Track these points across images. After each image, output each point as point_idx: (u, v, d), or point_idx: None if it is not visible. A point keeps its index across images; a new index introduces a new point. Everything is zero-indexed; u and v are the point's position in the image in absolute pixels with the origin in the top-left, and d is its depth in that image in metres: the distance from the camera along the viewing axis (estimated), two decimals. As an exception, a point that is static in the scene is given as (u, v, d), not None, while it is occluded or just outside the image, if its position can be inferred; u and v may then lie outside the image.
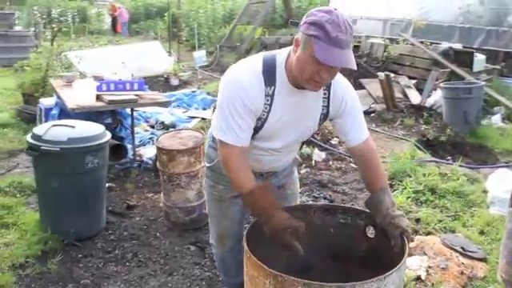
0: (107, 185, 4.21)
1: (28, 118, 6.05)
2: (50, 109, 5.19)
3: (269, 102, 1.81)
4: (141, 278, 2.94)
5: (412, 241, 1.93)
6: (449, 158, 5.34)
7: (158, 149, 3.51)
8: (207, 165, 2.21)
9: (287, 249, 1.77)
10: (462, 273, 2.95)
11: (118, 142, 4.79)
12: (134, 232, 3.54)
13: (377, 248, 2.00)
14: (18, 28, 15.05)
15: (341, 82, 1.92)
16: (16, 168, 4.75)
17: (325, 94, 1.89)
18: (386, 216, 1.86)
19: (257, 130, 1.87)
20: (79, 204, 3.31)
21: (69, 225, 3.29)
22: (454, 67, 7.24)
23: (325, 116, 1.95)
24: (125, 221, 3.73)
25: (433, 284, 2.85)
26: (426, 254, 3.12)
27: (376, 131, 6.30)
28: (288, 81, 1.80)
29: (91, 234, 3.43)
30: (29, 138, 3.25)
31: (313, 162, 4.87)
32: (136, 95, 4.55)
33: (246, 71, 1.82)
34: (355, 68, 1.67)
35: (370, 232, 2.06)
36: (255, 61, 1.84)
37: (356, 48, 9.60)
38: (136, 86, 4.78)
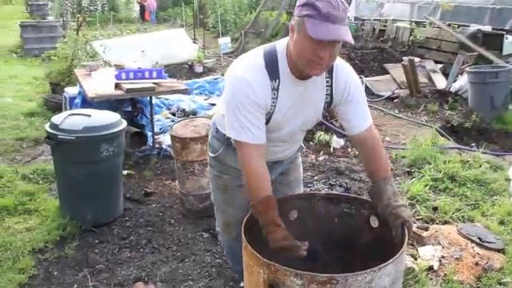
0: (126, 172, 4.33)
1: (54, 107, 6.20)
2: (74, 97, 5.31)
3: (275, 96, 1.80)
4: (153, 264, 3.00)
5: (411, 232, 1.88)
6: (473, 144, 5.21)
7: (172, 137, 3.55)
8: (211, 155, 2.21)
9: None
10: (476, 264, 2.88)
11: (137, 130, 4.88)
12: (149, 219, 3.61)
13: (381, 238, 1.98)
14: (50, 18, 15.38)
15: (343, 68, 1.90)
16: (41, 156, 4.90)
17: (327, 81, 1.86)
18: (388, 206, 1.84)
19: (265, 123, 1.86)
20: (96, 191, 3.38)
21: (86, 211, 3.38)
22: (481, 50, 7.00)
23: (328, 104, 1.93)
24: (142, 208, 3.80)
25: (445, 275, 2.80)
26: (440, 244, 3.07)
27: (399, 117, 6.20)
28: (290, 72, 1.79)
29: (108, 220, 3.51)
30: (47, 127, 3.34)
31: (331, 148, 4.83)
32: (154, 83, 4.59)
33: (249, 67, 1.80)
34: (352, 42, 1.65)
35: (374, 222, 2.04)
36: (256, 56, 1.82)
37: (381, 32, 9.42)
38: (155, 74, 4.81)
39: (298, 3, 1.65)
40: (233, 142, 1.89)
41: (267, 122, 1.85)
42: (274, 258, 1.64)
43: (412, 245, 3.13)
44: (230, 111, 1.80)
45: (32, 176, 4.27)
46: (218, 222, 2.41)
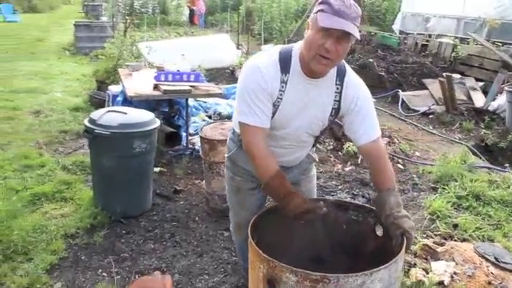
0: (158, 169, 4.54)
1: (97, 103, 6.52)
2: (117, 95, 5.60)
3: (283, 89, 1.92)
4: (173, 257, 3.18)
5: (410, 244, 1.95)
6: (506, 165, 5.12)
7: (201, 138, 3.73)
8: (226, 155, 2.35)
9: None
10: (489, 283, 2.87)
11: (172, 130, 5.10)
12: (175, 215, 3.79)
13: (385, 247, 2.04)
14: (103, 19, 16.06)
15: (354, 79, 2.00)
16: (81, 149, 5.19)
17: (337, 88, 1.97)
18: (389, 216, 1.91)
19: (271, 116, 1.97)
20: (127, 185, 3.59)
21: (116, 203, 3.60)
22: (525, 70, 6.85)
23: (336, 111, 2.01)
24: (169, 204, 3.99)
25: (456, 291, 2.82)
26: (454, 260, 3.07)
27: (432, 133, 6.15)
28: (301, 69, 1.91)
29: (136, 213, 3.71)
30: (86, 121, 3.58)
31: (359, 160, 4.88)
32: (191, 86, 4.79)
33: (263, 59, 1.95)
34: (358, 37, 1.76)
35: (380, 231, 2.11)
36: (273, 51, 1.98)
37: (424, 47, 9.33)
38: (192, 78, 5.01)
39: (316, 2, 1.80)
40: (237, 131, 2.02)
41: (273, 114, 1.96)
42: (274, 257, 1.75)
43: (426, 259, 3.16)
44: (241, 97, 1.94)
45: (71, 167, 4.56)
46: (231, 223, 2.54)
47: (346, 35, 1.74)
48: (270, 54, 1.97)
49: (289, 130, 2.03)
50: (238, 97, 1.98)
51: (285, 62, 1.91)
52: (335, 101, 1.98)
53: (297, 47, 1.94)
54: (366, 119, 1.99)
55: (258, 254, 1.77)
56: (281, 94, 1.92)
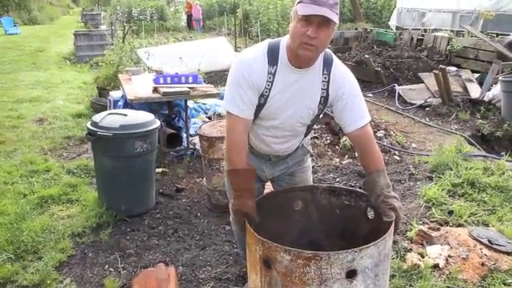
0: (161, 170, 4.66)
1: (99, 109, 6.63)
2: (118, 100, 5.73)
3: (271, 80, 2.04)
4: (177, 251, 3.28)
5: (399, 223, 2.04)
6: (502, 153, 5.20)
7: (200, 136, 3.84)
8: (224, 147, 2.46)
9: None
10: (482, 264, 2.97)
11: (173, 131, 5.21)
12: (178, 212, 3.91)
13: (378, 229, 2.14)
14: (103, 27, 16.25)
15: (341, 68, 2.10)
16: (85, 153, 5.32)
17: (325, 77, 2.07)
18: (380, 195, 2.00)
19: (260, 107, 2.09)
20: (130, 184, 3.71)
21: (121, 202, 3.72)
22: (518, 60, 6.93)
23: (325, 100, 2.11)
24: (172, 202, 4.10)
25: (450, 273, 2.90)
26: (448, 244, 3.17)
27: (428, 125, 6.24)
28: (288, 61, 2.02)
29: (140, 211, 3.83)
30: (88, 124, 3.70)
31: (356, 153, 4.97)
32: (189, 87, 4.91)
33: (253, 52, 2.08)
34: (336, 20, 1.85)
35: (371, 214, 2.21)
36: (262, 44, 2.10)
37: (420, 41, 9.42)
38: (190, 79, 5.14)
39: None
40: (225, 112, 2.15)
41: (262, 106, 2.08)
42: (272, 239, 1.85)
43: (421, 244, 3.26)
44: (228, 86, 2.08)
45: (76, 170, 4.70)
46: (231, 214, 2.64)
47: (325, 21, 1.84)
48: (259, 46, 2.09)
49: (281, 120, 2.14)
50: (226, 85, 2.11)
51: (272, 55, 2.03)
52: (323, 89, 2.08)
53: (285, 40, 2.05)
54: (355, 107, 2.08)
55: (253, 236, 1.87)
56: (269, 85, 2.03)
